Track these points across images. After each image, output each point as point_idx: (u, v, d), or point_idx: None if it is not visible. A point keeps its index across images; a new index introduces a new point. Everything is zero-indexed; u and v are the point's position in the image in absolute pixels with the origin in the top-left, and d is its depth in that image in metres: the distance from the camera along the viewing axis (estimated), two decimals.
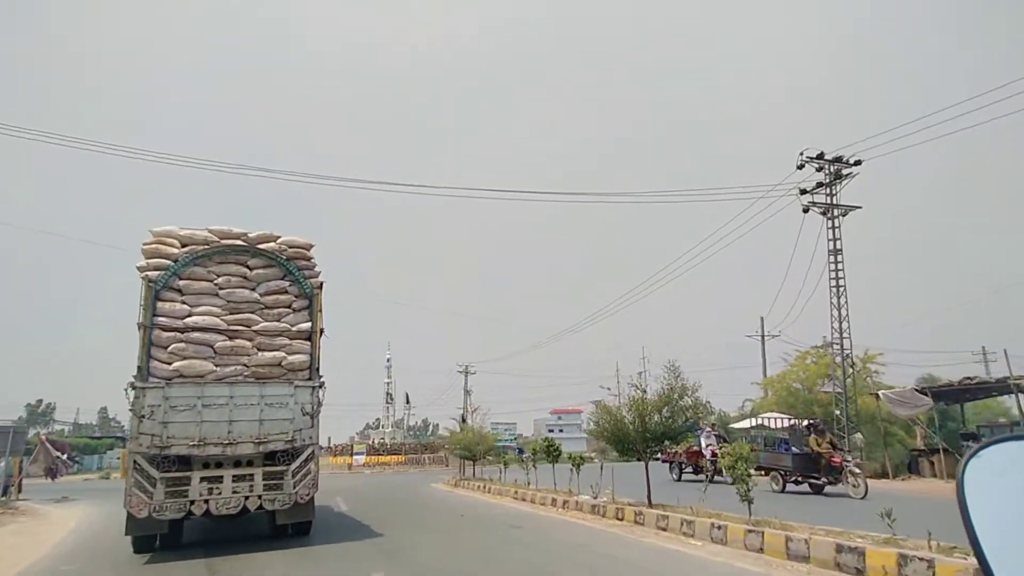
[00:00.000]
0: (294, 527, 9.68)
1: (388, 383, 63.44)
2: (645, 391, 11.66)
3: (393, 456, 44.70)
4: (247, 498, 8.73)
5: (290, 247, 10.14)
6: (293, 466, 9.02)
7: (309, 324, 9.85)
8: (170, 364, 8.89)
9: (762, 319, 39.28)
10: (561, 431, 66.17)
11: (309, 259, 10.29)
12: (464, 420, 24.14)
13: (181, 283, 9.33)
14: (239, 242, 9.82)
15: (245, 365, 9.31)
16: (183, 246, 9.52)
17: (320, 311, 9.96)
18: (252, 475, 8.84)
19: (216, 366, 9.14)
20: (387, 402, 63.63)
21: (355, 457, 43.24)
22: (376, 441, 53.84)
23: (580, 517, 11.96)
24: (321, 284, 10.13)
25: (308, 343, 9.76)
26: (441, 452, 43.31)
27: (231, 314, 9.49)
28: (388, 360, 63.38)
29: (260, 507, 8.83)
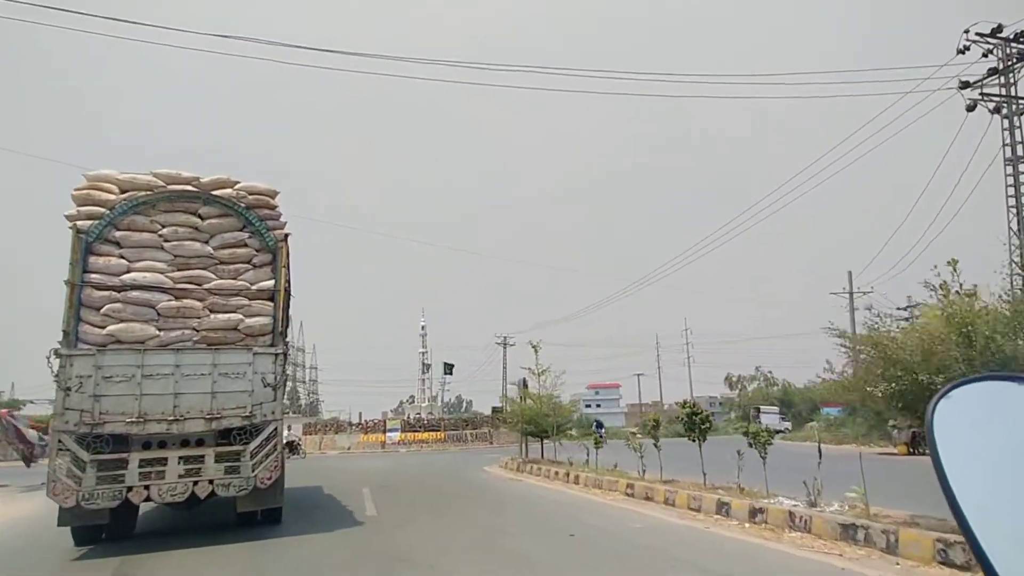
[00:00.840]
0: (263, 514, 8.42)
1: (423, 353, 57.57)
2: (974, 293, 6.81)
3: (431, 433, 39.53)
4: (196, 483, 7.44)
5: (250, 194, 8.72)
6: (252, 445, 7.70)
7: (271, 282, 8.47)
8: (104, 328, 7.57)
9: (850, 274, 34.20)
10: (599, 406, 64.85)
11: (273, 208, 8.88)
12: (526, 385, 18.09)
13: (119, 234, 7.97)
14: (189, 188, 8.42)
15: (195, 329, 7.97)
16: (122, 192, 8.16)
17: (285, 267, 8.57)
18: (202, 456, 7.54)
19: (160, 330, 7.81)
20: (423, 373, 57.63)
21: (388, 434, 38.71)
22: (411, 416, 47.97)
23: (828, 548, 6.33)
24: (286, 236, 8.73)
25: (270, 304, 8.38)
26: (485, 428, 39.80)
27: (179, 270, 8.13)
28: (423, 328, 57.77)
29: (212, 494, 7.54)
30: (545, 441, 18.01)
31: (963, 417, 0.96)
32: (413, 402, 62.52)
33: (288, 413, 15.29)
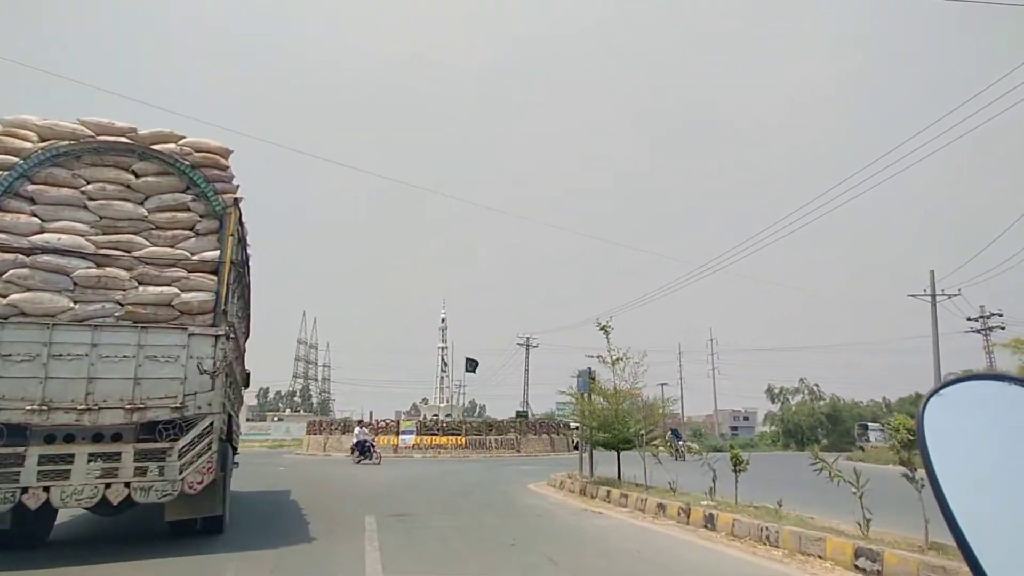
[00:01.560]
0: (203, 523, 7.18)
1: (442, 348, 50.86)
2: None
3: (450, 437, 34.04)
4: (108, 486, 6.18)
5: (197, 151, 7.53)
6: (181, 443, 6.46)
7: (216, 252, 7.26)
8: (5, 296, 6.34)
9: (932, 274, 30.50)
10: None
11: (224, 168, 7.68)
12: (593, 377, 13.52)
13: (32, 189, 6.75)
14: (123, 139, 7.22)
15: (118, 303, 6.74)
16: (42, 141, 6.96)
17: (233, 235, 7.36)
18: (118, 454, 6.28)
19: (75, 302, 6.58)
20: (441, 370, 50.86)
21: (402, 437, 33.34)
22: (427, 417, 41.02)
23: None
24: (236, 201, 7.52)
25: (213, 278, 7.16)
26: (511, 434, 35.51)
27: (103, 234, 6.91)
28: (443, 320, 51.18)
29: (128, 499, 6.29)
30: (600, 452, 13.44)
31: (954, 416, 0.97)
32: (428, 403, 57.75)
33: (234, 406, 13.45)
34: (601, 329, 12.95)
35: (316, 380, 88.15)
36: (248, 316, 11.06)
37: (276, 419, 67.15)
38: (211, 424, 6.67)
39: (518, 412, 33.22)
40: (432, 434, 33.90)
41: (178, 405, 6.56)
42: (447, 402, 49.56)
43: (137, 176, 7.20)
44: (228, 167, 7.72)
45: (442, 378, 50.67)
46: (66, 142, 6.95)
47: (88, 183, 6.96)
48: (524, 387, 54.29)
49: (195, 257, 7.15)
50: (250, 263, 10.04)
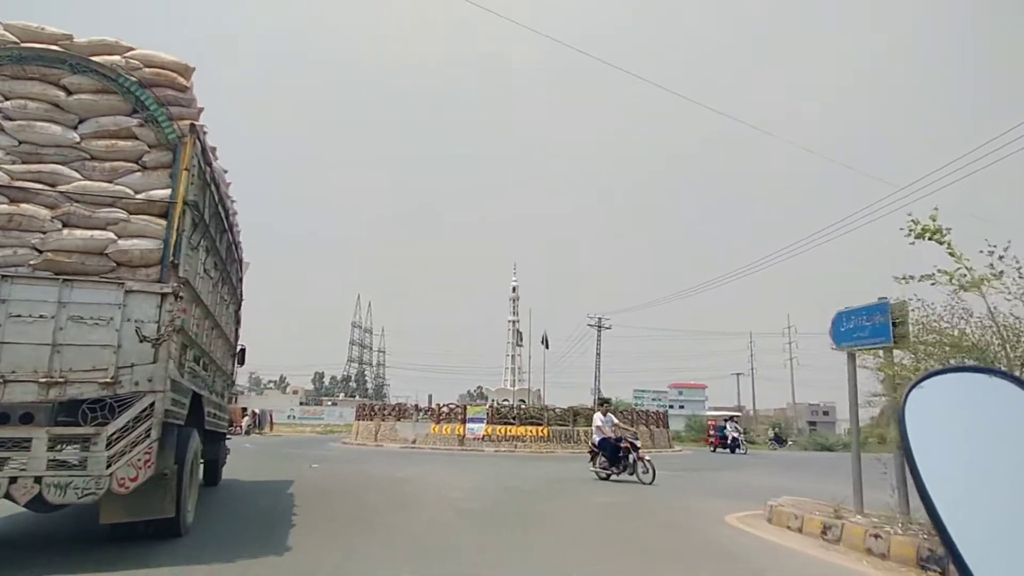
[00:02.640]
0: (149, 526, 5.80)
1: (514, 322, 41.66)
2: None
3: (530, 427, 27.07)
4: (14, 480, 4.81)
5: (148, 66, 6.04)
6: (112, 428, 5.05)
7: (167, 191, 5.78)
8: None
9: None
10: (682, 407, 60.21)
11: (183, 89, 6.18)
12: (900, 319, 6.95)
13: None
14: (54, 47, 5.77)
15: (35, 248, 5.32)
16: None
17: (188, 170, 5.86)
18: (27, 441, 4.89)
19: None
20: (513, 347, 41.42)
21: (470, 426, 27.11)
22: (497, 403, 32.75)
23: None
24: (195, 127, 6.01)
25: (161, 222, 5.68)
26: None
27: (22, 162, 5.49)
28: (514, 290, 42.16)
29: (40, 499, 4.91)
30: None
31: (934, 407, 0.98)
32: (499, 387, 44.29)
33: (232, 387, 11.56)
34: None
35: (371, 365, 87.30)
36: (234, 280, 9.67)
37: (330, 403, 67.44)
38: (151, 405, 5.22)
39: (601, 399, 26.34)
40: (506, 423, 27.18)
41: (109, 380, 5.13)
42: (519, 385, 40.43)
43: (69, 93, 5.74)
44: (188, 88, 6.22)
45: (512, 357, 41.26)
46: None
47: (6, 99, 5.54)
48: (595, 372, 48.72)
49: (139, 196, 5.68)
50: (231, 213, 8.60)
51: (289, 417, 57.85)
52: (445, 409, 28.92)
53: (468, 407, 30.29)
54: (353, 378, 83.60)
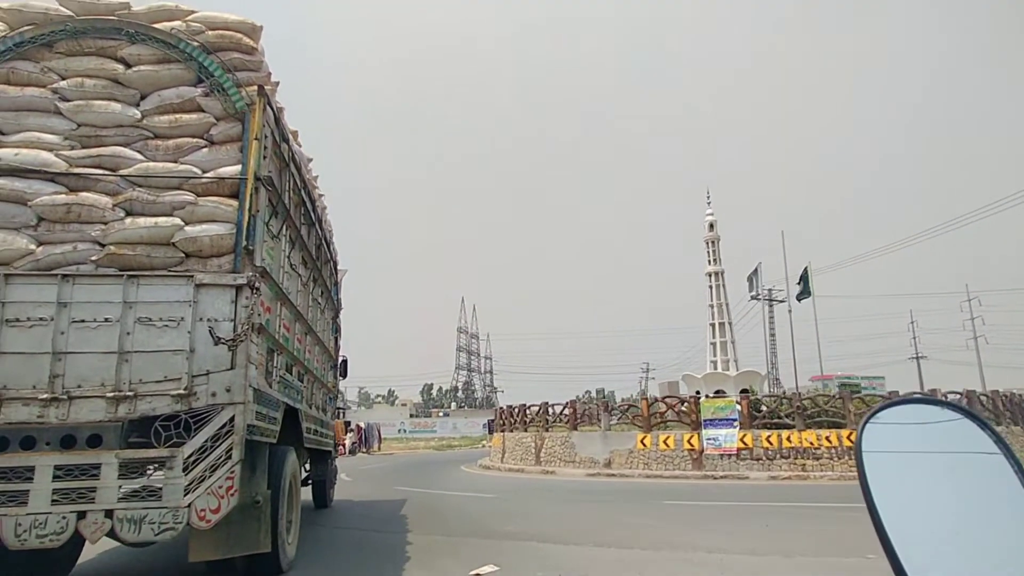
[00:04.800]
0: (246, 563, 4.95)
1: (717, 272, 30.19)
2: None
3: (822, 430, 15.12)
4: (82, 516, 4.04)
5: (211, 29, 5.25)
6: (189, 449, 4.19)
7: (237, 167, 4.92)
8: None
9: None
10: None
11: (251, 52, 5.34)
12: None
13: None
14: (110, 18, 5.10)
15: (98, 242, 4.59)
16: (12, 30, 5.01)
17: (258, 140, 4.97)
18: (97, 466, 4.13)
19: (38, 243, 4.52)
20: (722, 306, 29.58)
21: (709, 433, 15.73)
22: (700, 392, 22.87)
23: None
24: (262, 89, 5.12)
25: (232, 203, 4.82)
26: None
27: (81, 147, 4.82)
28: (711, 226, 30.70)
29: (112, 533, 4.12)
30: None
31: (889, 437, 1.02)
32: (706, 372, 29.25)
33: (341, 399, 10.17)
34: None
35: (479, 372, 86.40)
36: (329, 283, 8.93)
37: (442, 414, 63.84)
38: (230, 420, 4.32)
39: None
40: (778, 424, 15.60)
41: (183, 391, 4.28)
42: (736, 369, 27.84)
43: (128, 66, 5.03)
44: (256, 50, 5.37)
45: (722, 327, 28.55)
46: (32, 26, 4.94)
47: (62, 78, 4.90)
48: (767, 353, 37.84)
49: (207, 175, 4.85)
50: (320, 207, 7.82)
51: (399, 431, 53.60)
52: (660, 406, 17.09)
53: (703, 402, 16.82)
54: (460, 388, 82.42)
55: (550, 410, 19.53)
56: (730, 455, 15.28)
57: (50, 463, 4.05)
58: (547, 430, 18.88)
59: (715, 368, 28.50)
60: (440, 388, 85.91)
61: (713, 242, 30.52)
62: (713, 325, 29.28)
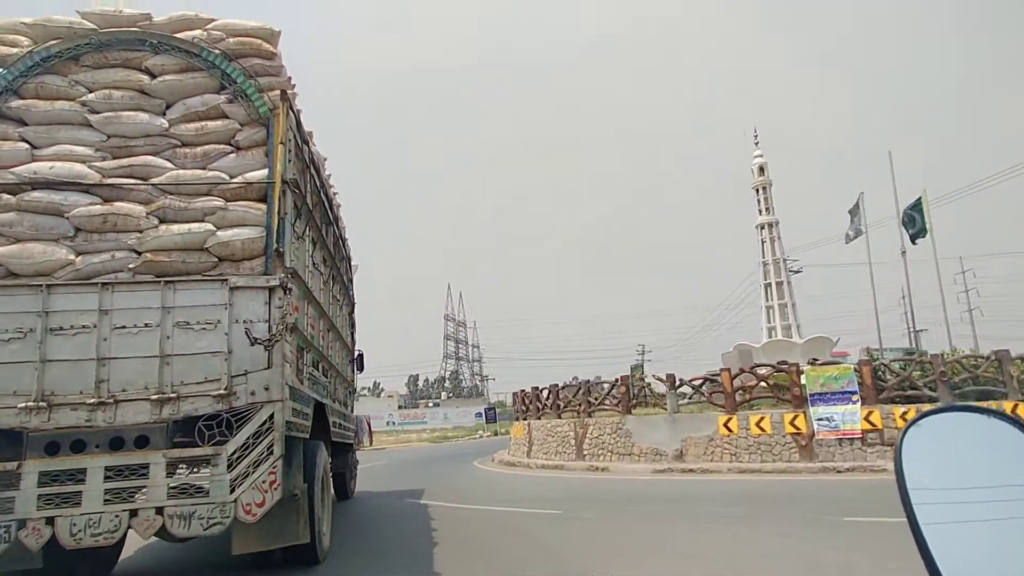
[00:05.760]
0: (284, 553, 5.12)
1: (769, 224, 24.22)
2: None
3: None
4: (134, 514, 4.21)
5: (231, 35, 5.35)
6: (231, 446, 4.35)
7: (264, 171, 5.04)
8: None
9: None
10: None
11: (271, 57, 5.45)
12: None
13: (19, 105, 4.90)
14: (133, 30, 5.21)
15: (134, 250, 4.73)
16: (36, 45, 5.13)
17: (284, 144, 5.08)
18: (146, 466, 4.30)
19: (77, 253, 4.66)
20: (780, 263, 24.17)
21: (819, 412, 11.84)
22: (752, 360, 18.18)
23: None
24: (284, 94, 5.23)
25: (261, 207, 4.94)
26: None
27: (112, 158, 4.94)
28: (761, 169, 24.62)
29: (163, 530, 4.29)
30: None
31: (931, 445, 1.00)
32: (764, 342, 23.00)
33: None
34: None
35: (468, 360, 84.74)
36: (345, 279, 9.07)
37: (431, 404, 61.52)
38: (270, 417, 4.48)
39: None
40: (909, 397, 12.10)
41: (223, 391, 4.43)
42: (802, 336, 22.61)
43: (153, 76, 5.15)
44: (276, 55, 5.47)
45: (776, 287, 23.58)
46: (56, 41, 5.05)
47: (90, 91, 5.02)
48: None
49: (235, 180, 4.98)
50: (335, 205, 7.94)
51: (388, 424, 50.82)
52: (750, 377, 13.45)
53: (807, 371, 12.49)
54: (448, 378, 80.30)
55: (592, 391, 15.46)
56: (852, 439, 11.59)
57: (100, 464, 4.22)
58: (590, 415, 14.86)
59: (772, 335, 23.22)
60: (427, 379, 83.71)
61: (764, 188, 24.79)
62: (769, 285, 23.94)
